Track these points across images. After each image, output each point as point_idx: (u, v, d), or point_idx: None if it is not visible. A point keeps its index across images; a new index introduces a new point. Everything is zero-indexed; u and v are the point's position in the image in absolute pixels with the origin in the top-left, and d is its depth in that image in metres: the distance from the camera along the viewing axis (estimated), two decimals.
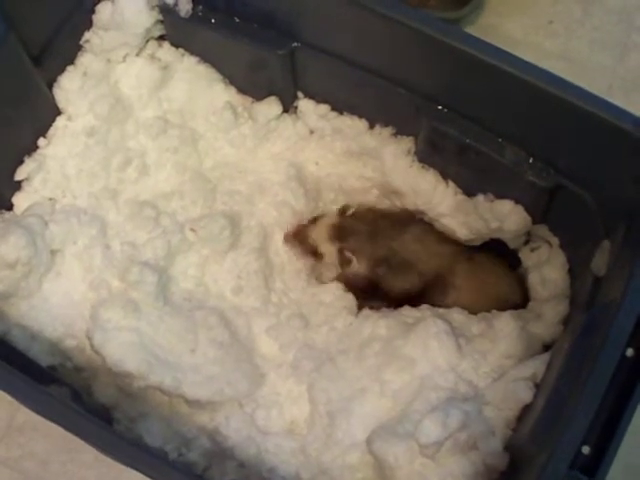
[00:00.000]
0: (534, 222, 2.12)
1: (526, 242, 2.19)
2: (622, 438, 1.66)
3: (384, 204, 2.24)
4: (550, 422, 1.73)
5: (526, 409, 1.91)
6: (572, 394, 1.66)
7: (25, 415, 2.35)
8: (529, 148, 1.98)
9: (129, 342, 2.00)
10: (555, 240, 2.10)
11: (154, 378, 1.98)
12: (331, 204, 2.27)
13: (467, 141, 2.01)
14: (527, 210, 2.10)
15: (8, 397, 2.22)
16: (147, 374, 1.97)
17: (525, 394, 1.90)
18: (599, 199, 1.93)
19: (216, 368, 2.04)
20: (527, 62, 1.79)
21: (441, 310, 2.11)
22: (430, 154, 2.13)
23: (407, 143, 2.17)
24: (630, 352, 1.63)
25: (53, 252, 2.07)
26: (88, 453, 2.32)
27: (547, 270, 2.10)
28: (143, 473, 1.69)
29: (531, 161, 1.98)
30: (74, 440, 2.18)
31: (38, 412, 1.70)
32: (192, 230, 2.12)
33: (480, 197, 2.14)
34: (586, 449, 1.62)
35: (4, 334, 1.98)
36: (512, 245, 2.18)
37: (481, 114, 1.99)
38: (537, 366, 1.93)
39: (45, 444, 2.33)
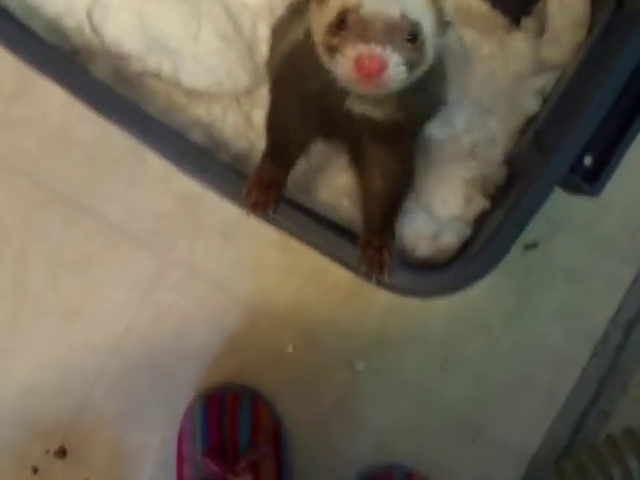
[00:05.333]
0: None
1: None
2: (625, 151, 1.62)
3: None
4: (554, 126, 1.68)
5: (530, 122, 1.86)
6: (580, 99, 1.61)
7: (18, 111, 2.31)
8: None
9: (130, 23, 1.94)
10: None
11: (152, 62, 1.93)
12: None
13: None
14: None
15: (1, 89, 2.19)
16: (145, 57, 1.93)
17: (531, 105, 1.86)
18: None
19: (217, 59, 1.98)
20: None
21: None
22: None
23: None
24: None
25: None
26: (79, 153, 2.29)
27: None
28: (142, 139, 1.67)
29: None
30: (66, 138, 2.17)
31: (40, 68, 1.65)
32: None
33: None
34: (588, 160, 1.59)
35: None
36: None
37: None
38: (547, 79, 1.88)
39: (36, 141, 2.30)
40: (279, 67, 1.73)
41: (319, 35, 1.35)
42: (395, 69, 1.24)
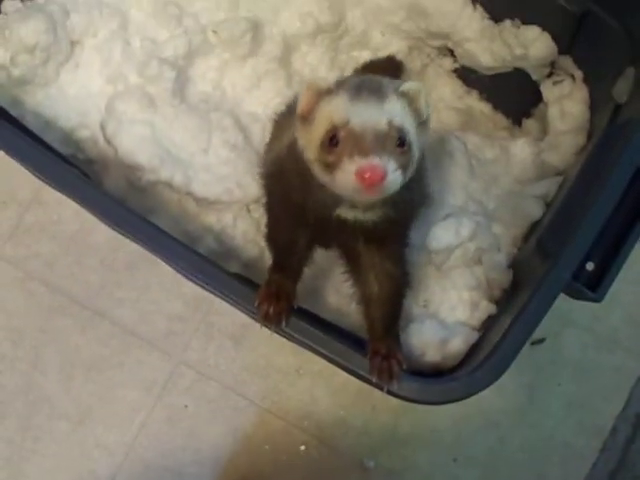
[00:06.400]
0: (559, 52, 2.09)
1: (549, 75, 2.16)
2: (627, 257, 1.66)
3: (408, 26, 2.19)
4: (557, 234, 1.72)
5: (534, 227, 1.90)
6: (582, 207, 1.65)
7: (34, 216, 2.36)
8: None
9: (143, 135, 2.00)
10: (579, 74, 2.09)
11: (165, 173, 1.98)
12: (357, 22, 2.23)
13: None
14: (553, 38, 2.07)
15: (18, 197, 2.25)
16: (158, 168, 1.97)
17: (535, 211, 1.90)
18: (626, 26, 1.91)
19: (227, 169, 2.04)
20: None
21: (457, 132, 2.08)
22: None
23: None
24: None
25: (73, 43, 2.06)
26: (93, 257, 2.34)
27: (568, 104, 2.09)
28: (155, 253, 1.70)
29: None
30: (81, 244, 2.23)
31: (56, 186, 1.71)
32: (214, 32, 2.09)
33: (507, 22, 2.13)
34: (590, 265, 1.62)
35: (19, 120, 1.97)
36: (535, 76, 2.16)
37: None
38: (549, 186, 1.93)
39: (52, 246, 2.35)
40: (267, 182, 1.77)
41: (312, 152, 1.40)
42: (393, 175, 1.29)
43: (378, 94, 1.35)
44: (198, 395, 2.29)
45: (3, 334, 2.31)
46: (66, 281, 2.33)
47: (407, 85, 1.39)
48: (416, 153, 1.40)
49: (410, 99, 1.39)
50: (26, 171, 2.10)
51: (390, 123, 1.33)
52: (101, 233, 2.33)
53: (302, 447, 2.28)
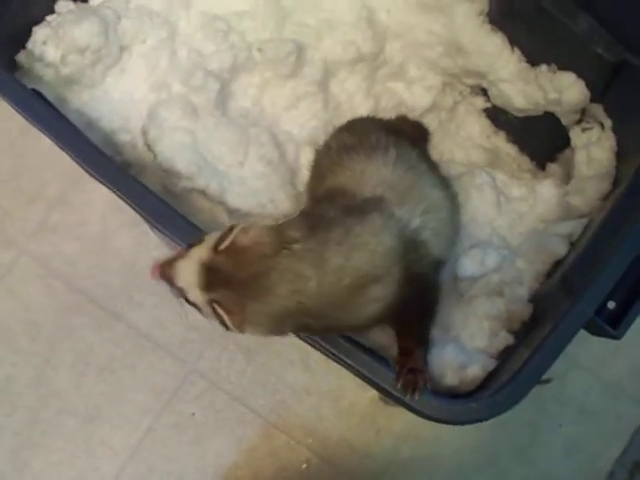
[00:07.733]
0: (591, 100, 2.14)
1: (578, 122, 2.21)
2: None
3: (444, 63, 2.25)
4: (582, 272, 1.77)
5: (557, 265, 1.95)
6: (608, 248, 1.70)
7: (60, 215, 2.40)
8: (602, 19, 2.00)
9: (183, 143, 2.04)
10: (608, 122, 2.13)
11: (201, 181, 2.02)
12: (395, 54, 2.28)
13: (543, 3, 2.04)
14: (587, 85, 2.13)
15: (46, 195, 2.29)
16: (195, 176, 2.01)
17: (559, 249, 1.94)
18: None
19: (261, 183, 2.08)
20: None
21: (487, 168, 2.14)
22: (503, 15, 2.17)
23: (481, 4, 2.19)
24: None
25: (122, 48, 2.10)
26: (115, 260, 2.38)
27: (595, 151, 2.13)
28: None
29: (602, 33, 2.01)
30: (104, 246, 2.26)
31: (92, 170, 1.74)
32: (259, 50, 2.13)
33: (543, 67, 2.18)
34: (612, 304, 1.67)
35: None
36: (565, 121, 2.21)
37: None
38: (574, 226, 1.97)
39: (75, 246, 2.39)
40: None
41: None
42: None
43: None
44: (206, 404, 2.32)
45: (21, 328, 2.34)
46: (86, 281, 2.37)
47: None
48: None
49: None
50: (56, 169, 2.17)
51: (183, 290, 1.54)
52: (124, 237, 2.37)
53: (304, 465, 2.30)
